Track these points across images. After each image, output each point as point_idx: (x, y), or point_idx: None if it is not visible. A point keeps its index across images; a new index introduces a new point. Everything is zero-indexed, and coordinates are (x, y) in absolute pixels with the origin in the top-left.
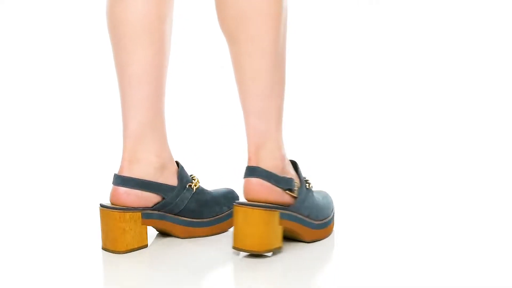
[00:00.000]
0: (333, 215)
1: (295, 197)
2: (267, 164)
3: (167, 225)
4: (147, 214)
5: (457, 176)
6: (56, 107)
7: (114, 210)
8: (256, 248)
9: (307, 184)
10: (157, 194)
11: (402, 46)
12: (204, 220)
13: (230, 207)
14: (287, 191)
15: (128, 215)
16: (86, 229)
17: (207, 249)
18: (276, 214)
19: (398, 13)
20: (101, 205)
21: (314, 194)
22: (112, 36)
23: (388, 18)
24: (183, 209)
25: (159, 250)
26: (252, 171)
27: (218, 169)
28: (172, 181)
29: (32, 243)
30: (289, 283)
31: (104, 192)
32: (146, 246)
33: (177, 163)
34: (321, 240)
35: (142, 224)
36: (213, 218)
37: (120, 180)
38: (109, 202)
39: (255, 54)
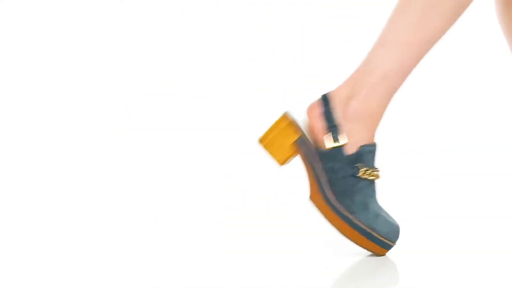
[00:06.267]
0: (382, 244)
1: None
2: (338, 100)
3: None
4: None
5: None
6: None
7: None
8: (260, 142)
9: (364, 171)
10: None
11: None
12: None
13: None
14: (327, 135)
15: None
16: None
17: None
18: (292, 132)
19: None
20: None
21: (373, 207)
22: None
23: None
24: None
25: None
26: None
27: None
28: None
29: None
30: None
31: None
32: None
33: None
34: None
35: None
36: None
37: None
38: None
39: None
